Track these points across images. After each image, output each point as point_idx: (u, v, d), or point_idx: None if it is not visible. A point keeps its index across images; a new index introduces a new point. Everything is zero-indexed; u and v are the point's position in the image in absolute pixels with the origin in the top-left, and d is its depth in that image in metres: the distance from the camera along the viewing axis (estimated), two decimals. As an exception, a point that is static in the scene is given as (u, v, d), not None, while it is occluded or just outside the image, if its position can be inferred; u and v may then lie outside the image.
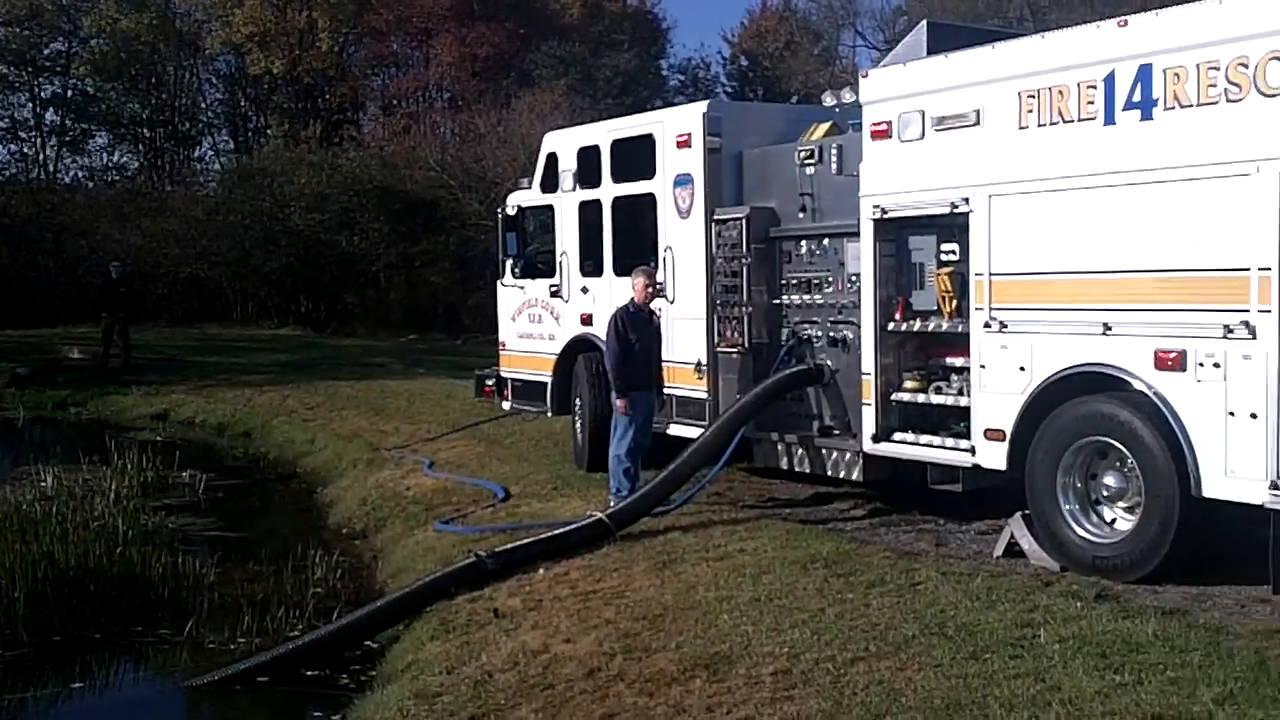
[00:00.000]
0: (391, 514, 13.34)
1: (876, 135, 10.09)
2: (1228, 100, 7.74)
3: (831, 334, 11.09)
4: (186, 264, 41.59)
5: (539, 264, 14.80)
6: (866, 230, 10.20)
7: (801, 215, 11.34)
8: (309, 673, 9.18)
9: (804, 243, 11.33)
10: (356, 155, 42.75)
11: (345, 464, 16.95)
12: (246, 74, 50.52)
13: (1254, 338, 7.57)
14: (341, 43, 51.60)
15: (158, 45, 49.70)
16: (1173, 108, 8.03)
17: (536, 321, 14.65)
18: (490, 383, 15.88)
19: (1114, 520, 8.65)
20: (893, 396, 10.20)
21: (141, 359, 28.72)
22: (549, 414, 14.49)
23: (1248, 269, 7.59)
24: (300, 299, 43.35)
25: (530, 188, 14.72)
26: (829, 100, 11.37)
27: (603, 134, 13.52)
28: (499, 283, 15.49)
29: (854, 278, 10.62)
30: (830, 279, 11.08)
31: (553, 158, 14.17)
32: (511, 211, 14.92)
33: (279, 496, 17.19)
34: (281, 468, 18.90)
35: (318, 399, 23.10)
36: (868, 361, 10.29)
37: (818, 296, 11.21)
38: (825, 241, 11.09)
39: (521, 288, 14.93)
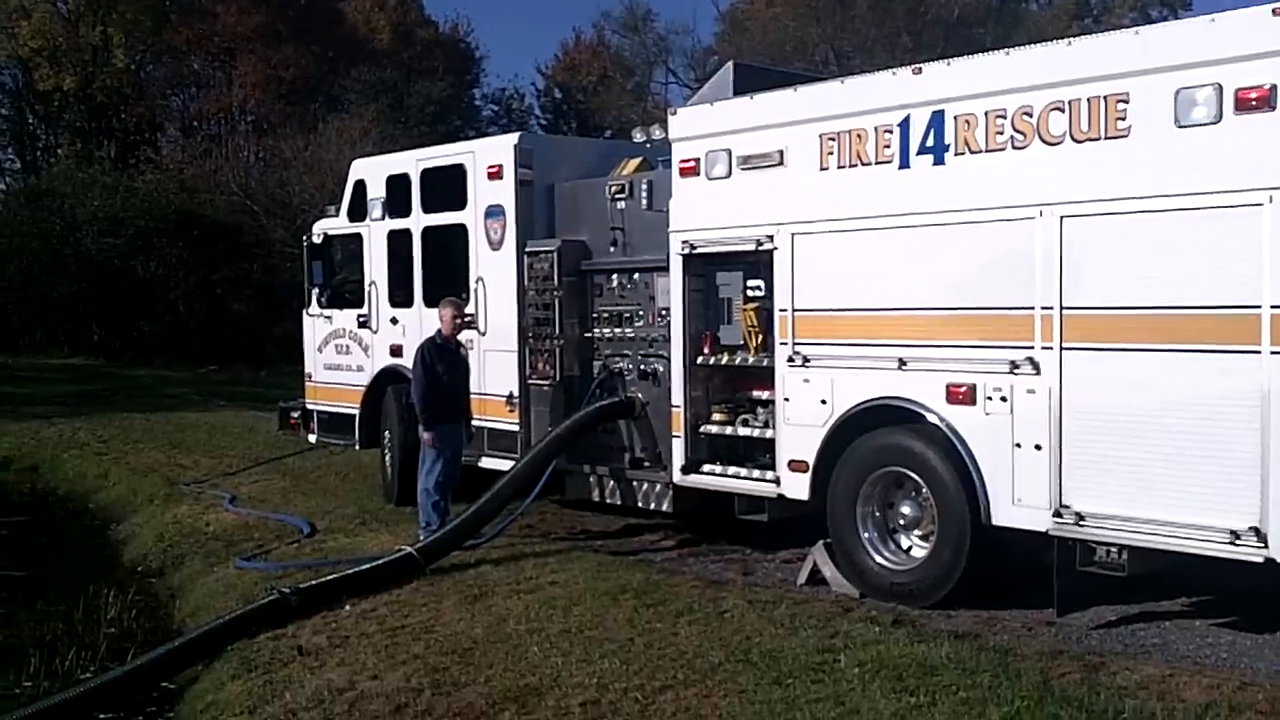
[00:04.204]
0: (190, 551, 12.82)
1: (685, 172, 10.30)
2: (1014, 147, 8.19)
3: (642, 367, 11.25)
4: (-34, 289, 39.46)
5: (346, 294, 14.55)
6: (675, 265, 10.38)
7: (613, 249, 11.47)
8: (102, 716, 8.68)
9: (615, 276, 11.47)
10: (154, 178, 41.32)
11: (140, 499, 16.23)
12: (35, 89, 48.21)
13: (1038, 373, 8.00)
14: (138, 60, 49.76)
15: (-68, 55, 47.05)
16: (963, 153, 8.45)
17: (344, 352, 14.40)
18: (295, 415, 15.55)
19: (910, 548, 9.01)
20: (701, 429, 10.39)
21: (-85, 390, 27.05)
22: (357, 447, 14.25)
23: (1032, 308, 8.02)
24: (93, 327, 41.52)
25: (337, 216, 14.48)
26: (639, 136, 11.58)
27: (413, 162, 13.40)
28: (305, 312, 15.17)
29: (664, 312, 10.80)
30: (641, 313, 11.24)
31: (360, 185, 13.98)
32: (318, 240, 14.66)
33: (69, 534, 16.33)
34: (72, 503, 18.00)
35: (111, 431, 22.23)
36: (677, 394, 10.46)
37: (629, 330, 11.36)
38: (636, 276, 11.26)
39: (329, 318, 14.66)
